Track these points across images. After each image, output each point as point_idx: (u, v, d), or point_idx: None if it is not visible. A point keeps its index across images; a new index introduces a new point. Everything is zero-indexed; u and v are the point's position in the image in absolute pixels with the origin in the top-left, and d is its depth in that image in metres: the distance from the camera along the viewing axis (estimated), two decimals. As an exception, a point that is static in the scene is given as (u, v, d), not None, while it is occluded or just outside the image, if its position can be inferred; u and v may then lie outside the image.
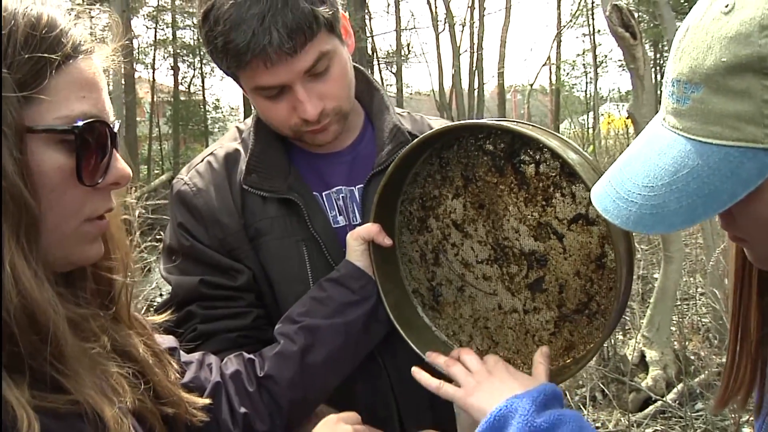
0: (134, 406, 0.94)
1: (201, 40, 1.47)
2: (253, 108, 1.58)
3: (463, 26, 21.75)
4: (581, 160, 1.26)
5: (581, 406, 4.69)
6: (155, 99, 27.34)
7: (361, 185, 1.60)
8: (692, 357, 5.15)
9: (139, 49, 26.21)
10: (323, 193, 1.60)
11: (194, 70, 28.81)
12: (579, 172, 1.21)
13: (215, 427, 1.27)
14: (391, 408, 1.58)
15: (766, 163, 0.78)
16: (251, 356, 1.41)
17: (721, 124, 0.80)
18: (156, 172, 24.08)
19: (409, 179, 1.52)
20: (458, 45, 19.81)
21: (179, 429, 1.12)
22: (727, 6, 0.79)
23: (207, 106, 29.68)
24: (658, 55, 23.42)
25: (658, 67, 22.07)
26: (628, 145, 1.00)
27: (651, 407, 4.56)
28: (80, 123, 0.86)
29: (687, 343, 5.26)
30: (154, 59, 27.34)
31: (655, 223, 0.85)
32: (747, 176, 0.79)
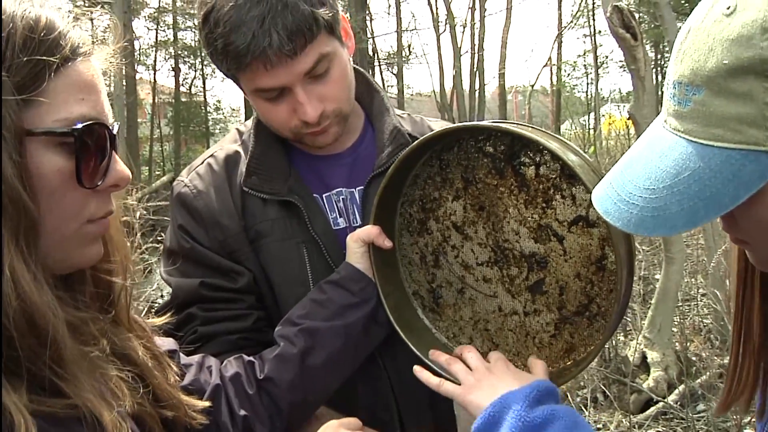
0: (133, 410, 0.94)
1: (201, 42, 1.47)
2: (253, 110, 1.58)
3: (464, 27, 21.78)
4: (581, 161, 1.26)
5: (582, 408, 4.68)
6: (156, 100, 27.34)
7: (362, 187, 1.59)
8: (694, 358, 5.14)
9: (141, 51, 26.23)
10: (323, 195, 1.60)
11: (195, 71, 28.84)
12: (579, 174, 1.20)
13: (215, 429, 1.27)
14: (391, 409, 1.58)
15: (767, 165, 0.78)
16: (251, 359, 1.41)
17: (723, 126, 0.80)
18: (157, 173, 24.07)
19: (409, 181, 1.52)
20: (459, 46, 19.83)
21: None
22: (728, 8, 0.79)
23: (208, 108, 29.72)
24: (659, 56, 23.43)
25: (659, 68, 22.09)
26: (629, 146, 1.00)
27: (652, 408, 4.56)
28: (79, 125, 0.86)
29: (688, 344, 5.25)
30: (155, 60, 27.37)
31: (656, 225, 0.84)
32: (749, 179, 0.79)
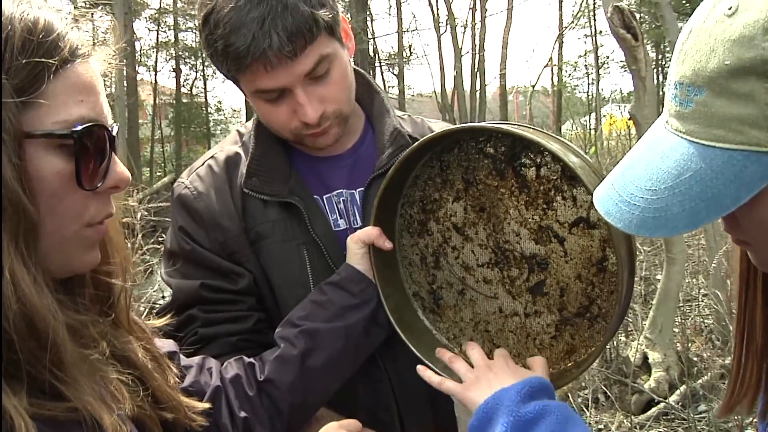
0: (133, 413, 0.94)
1: (202, 44, 1.47)
2: (254, 111, 1.57)
3: (465, 28, 21.79)
4: (582, 163, 1.26)
5: (584, 408, 4.68)
6: (157, 101, 27.37)
7: (362, 188, 1.59)
8: (695, 359, 5.14)
9: (141, 52, 26.25)
10: (324, 197, 1.59)
11: (196, 72, 28.87)
12: (580, 176, 1.20)
13: (215, 431, 1.26)
14: (392, 410, 1.58)
15: None
16: (251, 360, 1.41)
17: (725, 127, 0.79)
18: (158, 174, 24.08)
19: (409, 182, 1.52)
20: (460, 46, 19.84)
21: None
22: (730, 8, 0.79)
23: (209, 109, 29.75)
24: (659, 57, 23.43)
25: (659, 69, 22.09)
26: (629, 147, 1.00)
27: (654, 409, 4.55)
28: (79, 127, 0.85)
29: (690, 344, 5.25)
30: (156, 61, 27.39)
31: (657, 226, 0.84)
32: (750, 180, 0.79)
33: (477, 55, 21.91)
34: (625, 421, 4.48)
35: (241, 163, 1.58)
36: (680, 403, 4.51)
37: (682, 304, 5.78)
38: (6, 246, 0.77)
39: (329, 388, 1.45)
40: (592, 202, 1.26)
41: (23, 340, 0.78)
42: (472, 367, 1.40)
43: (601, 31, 22.93)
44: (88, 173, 0.88)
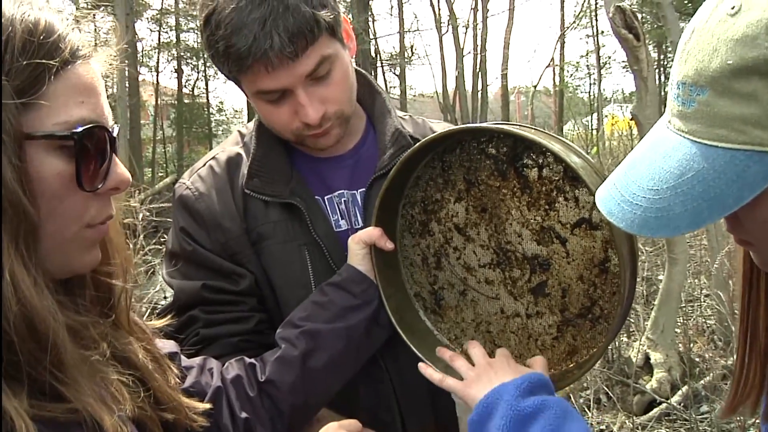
0: (134, 414, 0.94)
1: (203, 44, 1.47)
2: (255, 112, 1.57)
3: (467, 28, 21.78)
4: (584, 163, 1.26)
5: (585, 409, 4.68)
6: (159, 102, 27.37)
7: (363, 189, 1.59)
8: (697, 359, 5.13)
9: (143, 52, 26.27)
10: (325, 197, 1.59)
11: (198, 72, 28.85)
12: (582, 176, 1.20)
13: None
14: (393, 411, 1.58)
15: None
16: (252, 361, 1.40)
17: (727, 127, 0.79)
18: (160, 174, 24.09)
19: (410, 183, 1.51)
20: (462, 47, 19.84)
21: None
22: (733, 8, 0.79)
23: (211, 109, 29.72)
24: (661, 57, 23.40)
25: (661, 69, 22.06)
26: (631, 147, 1.00)
27: (656, 410, 4.54)
28: (79, 128, 0.85)
29: (692, 345, 5.24)
30: (157, 62, 27.40)
31: (659, 226, 0.84)
32: (753, 180, 0.78)
33: (479, 56, 21.90)
34: (627, 421, 4.48)
35: (243, 163, 1.58)
36: (682, 404, 4.50)
37: (684, 305, 5.78)
38: (6, 247, 0.77)
39: (330, 388, 1.45)
40: (594, 203, 1.26)
41: (23, 341, 0.78)
42: (473, 366, 1.40)
43: (602, 32, 22.90)
44: (89, 174, 0.88)
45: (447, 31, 20.56)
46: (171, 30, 27.40)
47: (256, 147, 1.57)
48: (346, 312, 1.44)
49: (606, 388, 4.86)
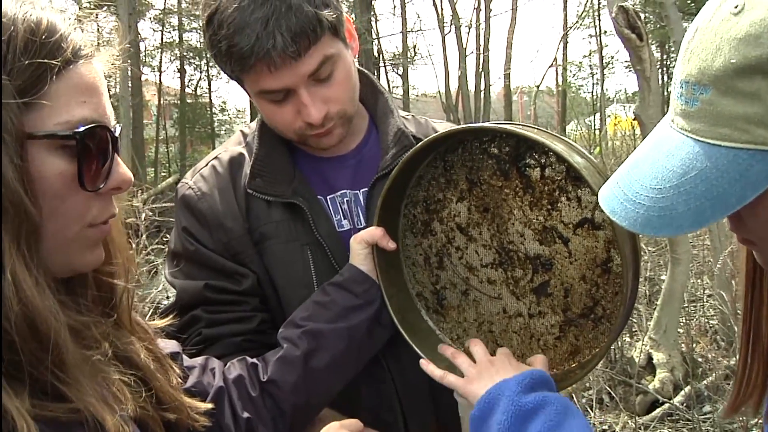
0: (136, 414, 0.94)
1: (206, 44, 1.47)
2: (257, 111, 1.57)
3: (470, 28, 21.76)
4: (587, 163, 1.26)
5: (588, 409, 4.67)
6: (162, 102, 27.41)
7: (366, 189, 1.59)
8: (700, 359, 5.13)
9: (146, 52, 26.30)
10: (328, 197, 1.59)
11: (201, 72, 28.89)
12: (585, 176, 1.20)
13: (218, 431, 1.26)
14: (395, 411, 1.57)
15: None
16: (254, 361, 1.40)
17: (730, 126, 0.79)
18: (163, 174, 24.12)
19: (413, 182, 1.51)
20: (464, 47, 19.81)
21: None
22: (736, 7, 0.79)
23: (213, 109, 29.76)
24: (664, 57, 23.38)
25: (664, 69, 22.05)
26: (634, 147, 0.99)
27: (658, 410, 4.54)
28: (81, 128, 0.85)
29: (694, 345, 5.24)
30: (160, 62, 27.43)
31: (662, 225, 0.84)
32: (756, 179, 0.78)
33: (481, 56, 21.89)
34: (629, 421, 4.47)
35: (245, 163, 1.58)
36: (685, 404, 4.50)
37: (686, 305, 5.77)
38: (8, 247, 0.77)
39: (332, 388, 1.45)
40: (596, 203, 1.26)
41: (25, 341, 0.78)
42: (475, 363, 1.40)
43: (605, 31, 22.93)
44: (91, 174, 0.88)
45: (450, 30, 20.55)
46: (174, 30, 27.44)
47: (259, 147, 1.57)
48: (348, 312, 1.44)
49: (608, 388, 4.86)
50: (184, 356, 1.31)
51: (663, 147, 0.88)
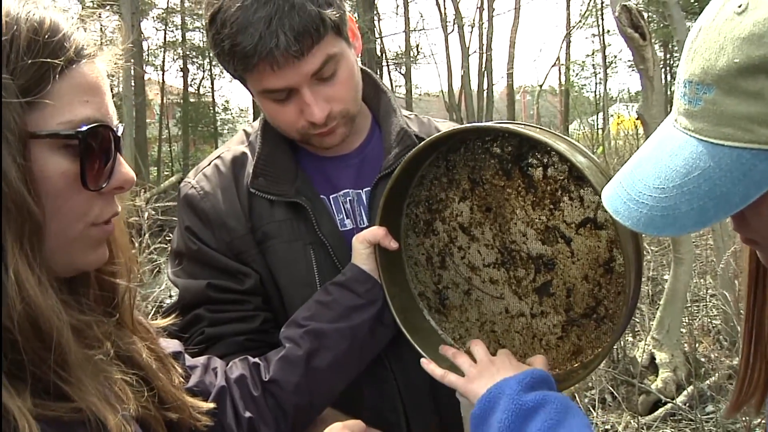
0: (138, 413, 0.94)
1: (209, 43, 1.47)
2: (260, 110, 1.57)
3: (472, 27, 21.74)
4: (589, 163, 1.25)
5: (590, 409, 4.67)
6: (165, 101, 27.44)
7: (368, 188, 1.59)
8: (702, 359, 5.12)
9: (149, 51, 26.31)
10: (330, 197, 1.59)
11: (204, 71, 28.92)
12: (587, 176, 1.20)
13: (220, 431, 1.26)
14: (398, 411, 1.57)
15: None
16: (256, 360, 1.40)
17: (734, 125, 0.79)
18: (166, 173, 24.16)
19: (415, 182, 1.51)
20: (467, 46, 19.79)
21: None
22: (740, 6, 0.78)
23: (216, 108, 29.79)
24: (667, 56, 23.37)
25: (667, 68, 22.04)
26: (637, 147, 0.99)
27: (661, 410, 4.54)
28: (84, 128, 0.85)
29: (697, 345, 5.23)
30: (163, 61, 27.46)
31: (665, 225, 0.84)
32: (759, 178, 0.78)
33: (484, 55, 21.87)
34: (632, 421, 4.47)
35: (248, 162, 1.58)
36: (687, 404, 4.49)
37: (689, 305, 5.77)
38: (11, 246, 0.77)
39: (334, 388, 1.45)
40: (599, 203, 1.26)
41: (27, 340, 0.78)
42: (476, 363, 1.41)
43: (608, 31, 22.87)
44: (93, 174, 0.88)
45: (453, 30, 20.52)
46: (177, 29, 27.46)
47: (262, 146, 1.57)
48: (350, 312, 1.44)
49: (611, 388, 4.85)
50: (186, 356, 1.31)
51: (666, 146, 0.88)
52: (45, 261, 0.82)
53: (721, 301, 5.18)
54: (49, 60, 0.83)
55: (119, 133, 0.93)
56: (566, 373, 1.41)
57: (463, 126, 1.41)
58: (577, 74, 28.39)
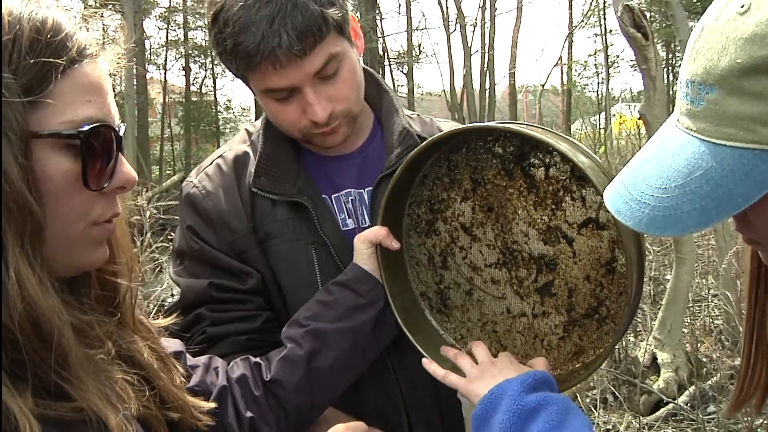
0: (139, 413, 0.94)
1: (211, 42, 1.47)
2: (263, 110, 1.57)
3: (475, 26, 21.76)
4: (591, 163, 1.25)
5: (592, 409, 4.67)
6: (167, 100, 27.42)
7: (370, 188, 1.59)
8: (704, 359, 5.12)
9: (151, 50, 26.31)
10: (332, 196, 1.59)
11: (206, 70, 28.89)
12: (589, 176, 1.20)
13: (221, 431, 1.26)
14: (400, 412, 1.57)
15: None
16: (258, 360, 1.40)
17: (736, 125, 0.79)
18: (168, 172, 24.15)
19: (417, 182, 1.51)
20: (469, 45, 19.81)
21: None
22: (742, 6, 0.78)
23: (218, 107, 29.76)
24: (670, 56, 23.34)
25: (670, 68, 22.02)
26: (639, 146, 0.99)
27: (662, 410, 4.53)
28: (86, 127, 0.85)
29: (699, 345, 5.23)
30: (165, 60, 27.45)
31: (667, 225, 0.84)
32: (762, 178, 0.78)
33: (486, 54, 21.88)
34: (633, 421, 4.47)
35: (250, 162, 1.58)
36: (689, 404, 4.49)
37: (691, 305, 5.76)
38: (12, 246, 0.77)
39: (336, 389, 1.45)
40: (601, 203, 1.26)
41: (28, 340, 0.78)
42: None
43: (611, 30, 22.88)
44: (95, 173, 0.88)
45: (455, 29, 20.55)
46: (179, 28, 27.45)
47: (264, 145, 1.57)
48: (352, 311, 1.44)
49: (613, 388, 4.85)
50: (188, 355, 1.31)
51: (668, 146, 0.88)
52: (46, 260, 0.82)
53: (723, 301, 5.18)
54: (51, 59, 0.83)
55: (121, 133, 0.93)
56: (568, 374, 1.41)
57: (465, 126, 1.41)
58: (579, 74, 28.39)
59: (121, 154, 0.93)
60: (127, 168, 0.93)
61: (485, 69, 21.78)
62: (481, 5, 21.82)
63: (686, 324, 5.38)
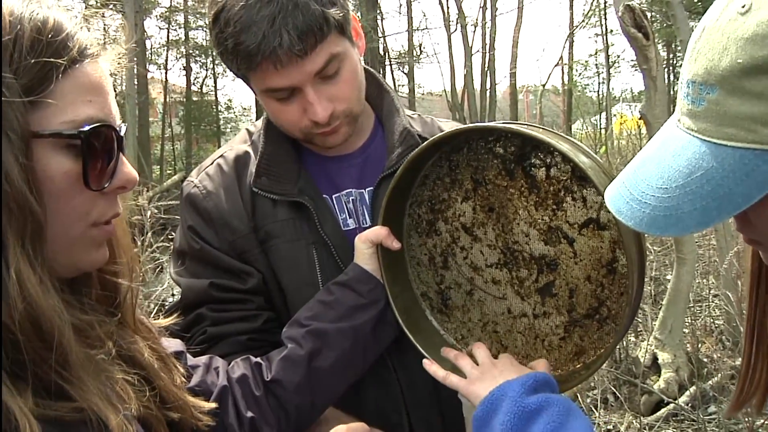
0: (139, 413, 0.94)
1: (212, 42, 1.47)
2: (263, 109, 1.57)
3: (475, 26, 21.76)
4: (592, 163, 1.25)
5: (593, 409, 4.67)
6: (168, 99, 27.41)
7: (371, 188, 1.59)
8: (705, 359, 5.12)
9: (152, 50, 26.31)
10: (333, 196, 1.59)
11: (206, 70, 28.88)
12: (590, 176, 1.19)
13: (222, 431, 1.26)
14: (401, 412, 1.57)
15: None
16: (258, 360, 1.40)
17: (737, 126, 0.79)
18: (168, 172, 24.15)
19: (418, 182, 1.51)
20: (470, 45, 19.81)
21: None
22: (743, 6, 0.78)
23: (219, 107, 29.75)
24: (671, 56, 23.33)
25: (671, 68, 22.00)
26: (640, 146, 1.00)
27: (663, 410, 4.53)
28: (87, 127, 0.85)
29: (700, 345, 5.23)
30: (166, 60, 27.44)
31: (668, 225, 0.84)
32: (762, 179, 0.78)
33: (487, 54, 21.88)
34: (634, 421, 4.47)
35: (251, 162, 1.57)
36: (690, 404, 4.49)
37: (692, 305, 5.76)
38: (12, 246, 0.77)
39: (336, 388, 1.45)
40: (602, 203, 1.26)
41: (29, 340, 0.78)
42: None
43: (612, 30, 22.89)
44: (96, 173, 0.88)
45: (456, 29, 20.56)
46: (180, 27, 27.45)
47: (265, 145, 1.56)
48: (352, 311, 1.44)
49: (613, 388, 4.85)
50: (188, 355, 1.31)
51: (669, 147, 0.88)
52: (46, 260, 0.82)
53: (724, 302, 5.18)
54: (52, 59, 0.83)
55: (122, 133, 0.93)
56: (569, 374, 1.41)
57: (466, 126, 1.41)
58: (580, 74, 28.38)
59: (121, 154, 0.93)
60: (127, 168, 0.93)
61: (486, 69, 21.78)
62: (481, 5, 21.85)
63: (687, 324, 5.38)
